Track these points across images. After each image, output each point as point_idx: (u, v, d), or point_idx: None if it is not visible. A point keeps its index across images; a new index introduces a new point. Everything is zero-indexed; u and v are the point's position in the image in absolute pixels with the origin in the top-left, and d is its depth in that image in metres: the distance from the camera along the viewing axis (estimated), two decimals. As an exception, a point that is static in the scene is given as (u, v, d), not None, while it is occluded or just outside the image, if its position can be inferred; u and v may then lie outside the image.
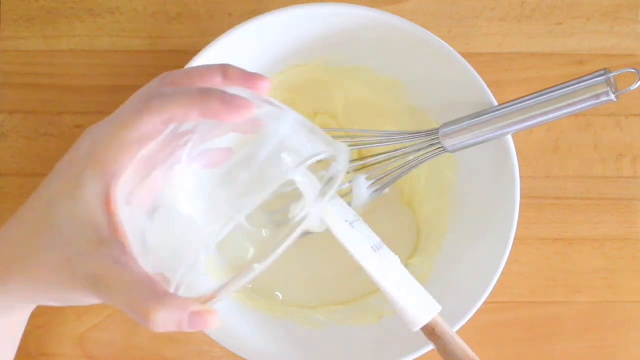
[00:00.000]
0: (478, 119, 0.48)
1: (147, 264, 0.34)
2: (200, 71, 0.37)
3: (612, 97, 0.43)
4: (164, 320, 0.32)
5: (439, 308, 0.43)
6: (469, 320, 0.50)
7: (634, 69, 0.44)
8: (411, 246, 0.57)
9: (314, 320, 0.55)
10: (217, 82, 0.37)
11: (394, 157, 0.51)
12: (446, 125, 0.49)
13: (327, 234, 0.56)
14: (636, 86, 0.44)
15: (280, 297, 0.56)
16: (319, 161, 0.36)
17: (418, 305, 0.43)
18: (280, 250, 0.34)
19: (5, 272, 0.36)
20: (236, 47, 0.50)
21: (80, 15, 0.60)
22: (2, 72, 0.59)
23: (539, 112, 0.46)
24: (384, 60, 0.54)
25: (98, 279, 0.33)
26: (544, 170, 0.60)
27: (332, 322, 0.55)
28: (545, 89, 0.46)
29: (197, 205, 0.34)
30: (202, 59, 0.49)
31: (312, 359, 0.53)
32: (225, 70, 0.37)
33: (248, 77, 0.37)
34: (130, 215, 0.34)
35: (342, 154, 0.37)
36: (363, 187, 0.52)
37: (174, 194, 0.34)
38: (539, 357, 0.59)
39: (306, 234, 0.56)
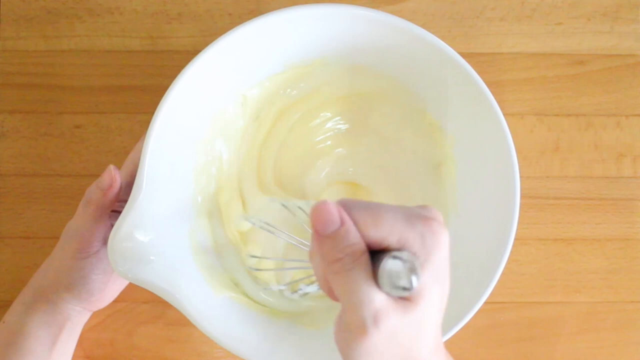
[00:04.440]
0: None
1: None
2: None
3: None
4: None
5: None
6: (469, 321, 0.50)
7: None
8: None
9: (314, 320, 0.55)
10: None
11: None
12: None
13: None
14: None
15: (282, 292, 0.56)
16: None
17: None
18: None
19: (51, 284, 0.51)
20: (236, 47, 0.50)
21: (80, 15, 0.60)
22: (2, 72, 0.59)
23: None
24: (383, 60, 0.54)
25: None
26: (544, 170, 0.60)
27: (332, 322, 0.54)
28: None
29: None
30: (202, 59, 0.49)
31: (312, 359, 0.53)
32: None
33: None
34: None
35: None
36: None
37: None
38: (539, 357, 0.59)
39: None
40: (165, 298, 0.48)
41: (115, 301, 0.58)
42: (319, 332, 0.54)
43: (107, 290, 0.52)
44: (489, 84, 0.50)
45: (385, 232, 0.34)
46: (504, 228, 0.50)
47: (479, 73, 0.50)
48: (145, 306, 0.58)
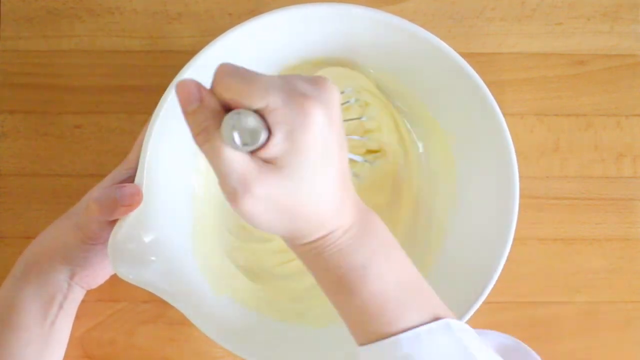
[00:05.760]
0: None
1: None
2: None
3: None
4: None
5: None
6: (468, 320, 0.50)
7: None
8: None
9: (314, 320, 0.55)
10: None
11: None
12: None
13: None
14: None
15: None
16: None
17: None
18: None
19: (48, 252, 0.51)
20: (236, 47, 0.50)
21: (80, 15, 0.60)
22: (2, 72, 0.59)
23: None
24: (383, 60, 0.54)
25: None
26: (544, 170, 0.60)
27: (332, 322, 0.55)
28: None
29: None
30: (201, 59, 0.49)
31: (313, 359, 0.53)
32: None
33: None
34: None
35: None
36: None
37: None
38: (539, 357, 0.59)
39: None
40: (165, 299, 0.48)
41: (115, 301, 0.58)
42: (320, 331, 0.54)
43: (103, 273, 0.53)
44: (489, 84, 0.50)
45: (252, 102, 0.34)
46: (503, 228, 0.50)
47: (479, 73, 0.50)
48: (145, 306, 0.58)
